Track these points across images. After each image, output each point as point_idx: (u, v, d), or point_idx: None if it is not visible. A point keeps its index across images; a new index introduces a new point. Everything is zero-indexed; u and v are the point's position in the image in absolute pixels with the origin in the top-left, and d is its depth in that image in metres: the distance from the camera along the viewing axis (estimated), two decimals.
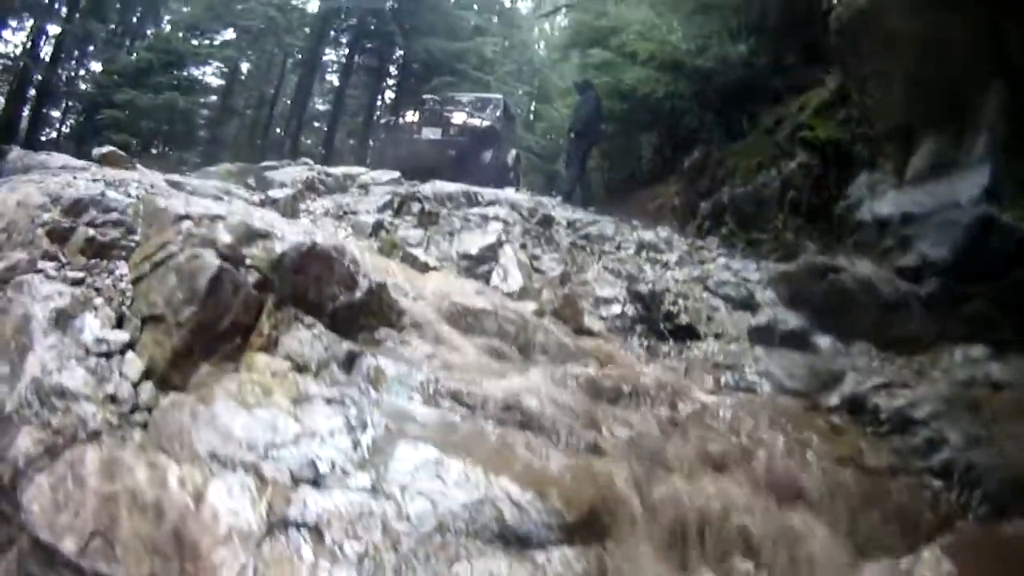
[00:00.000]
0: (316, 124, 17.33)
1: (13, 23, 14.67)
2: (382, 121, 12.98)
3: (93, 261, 2.20)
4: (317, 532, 1.48)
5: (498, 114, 11.22)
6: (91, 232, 2.24)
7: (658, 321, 3.42)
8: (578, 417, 1.85)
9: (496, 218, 4.16)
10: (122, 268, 2.17)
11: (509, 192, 6.55)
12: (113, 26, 15.72)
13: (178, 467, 1.59)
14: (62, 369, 1.74)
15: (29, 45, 14.76)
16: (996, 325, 3.31)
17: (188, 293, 1.89)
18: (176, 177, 5.80)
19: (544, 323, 2.72)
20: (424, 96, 12.05)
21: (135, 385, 1.78)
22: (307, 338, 1.96)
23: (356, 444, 1.71)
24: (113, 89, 13.22)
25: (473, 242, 3.69)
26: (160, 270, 2.00)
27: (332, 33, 15.97)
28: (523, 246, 3.88)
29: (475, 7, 15.57)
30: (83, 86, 15.54)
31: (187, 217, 2.15)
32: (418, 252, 3.50)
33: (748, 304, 3.98)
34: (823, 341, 3.77)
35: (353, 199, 4.42)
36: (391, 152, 10.31)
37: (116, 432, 1.68)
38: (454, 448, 1.72)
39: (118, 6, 15.45)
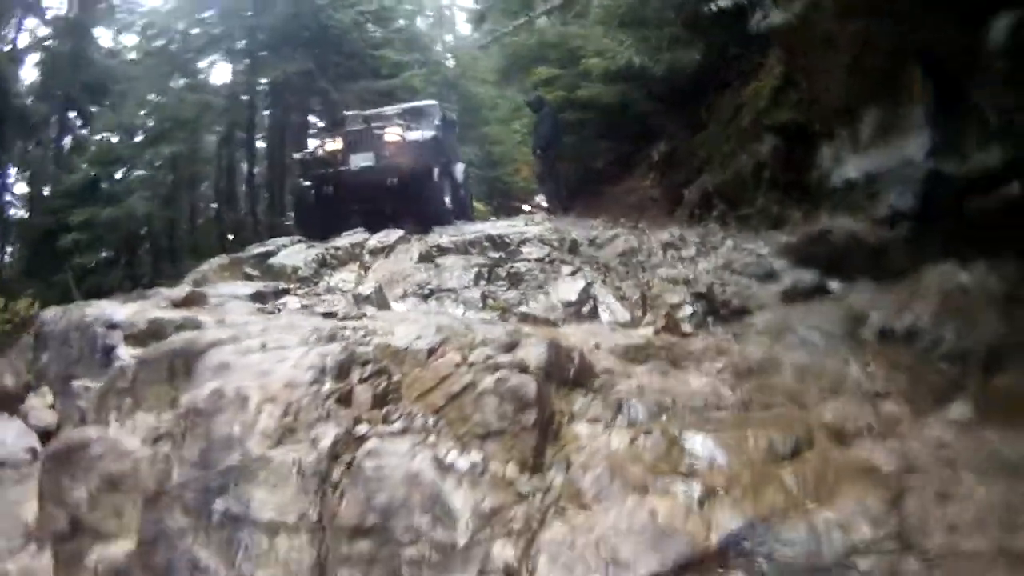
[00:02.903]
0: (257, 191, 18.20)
1: None
2: (296, 156, 11.41)
3: (384, 411, 2.69)
4: None
5: (437, 123, 10.39)
6: (368, 388, 2.75)
7: (719, 310, 4.86)
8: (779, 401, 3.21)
9: (561, 261, 5.56)
10: (412, 408, 2.70)
11: (520, 225, 7.55)
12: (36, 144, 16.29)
13: None
14: None
15: None
16: (959, 247, 4.91)
17: (520, 405, 2.61)
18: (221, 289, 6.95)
19: (667, 339, 4.07)
20: (346, 114, 11.15)
21: None
22: (585, 401, 2.92)
23: None
24: (67, 211, 13.58)
25: (568, 290, 4.86)
26: (467, 397, 2.68)
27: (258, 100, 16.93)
28: (603, 281, 5.25)
29: (377, 34, 16.45)
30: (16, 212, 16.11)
31: (433, 352, 2.95)
32: (529, 310, 4.65)
33: (770, 275, 5.47)
34: (833, 285, 5.30)
35: (430, 276, 5.63)
36: (313, 195, 9.53)
37: None
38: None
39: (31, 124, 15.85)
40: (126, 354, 5.13)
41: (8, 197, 16.76)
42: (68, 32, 16.35)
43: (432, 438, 2.57)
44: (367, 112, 10.69)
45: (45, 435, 5.46)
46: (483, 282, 5.22)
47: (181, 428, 2.94)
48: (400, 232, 7.92)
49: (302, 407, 2.70)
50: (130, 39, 17.78)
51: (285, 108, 17.11)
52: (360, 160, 9.02)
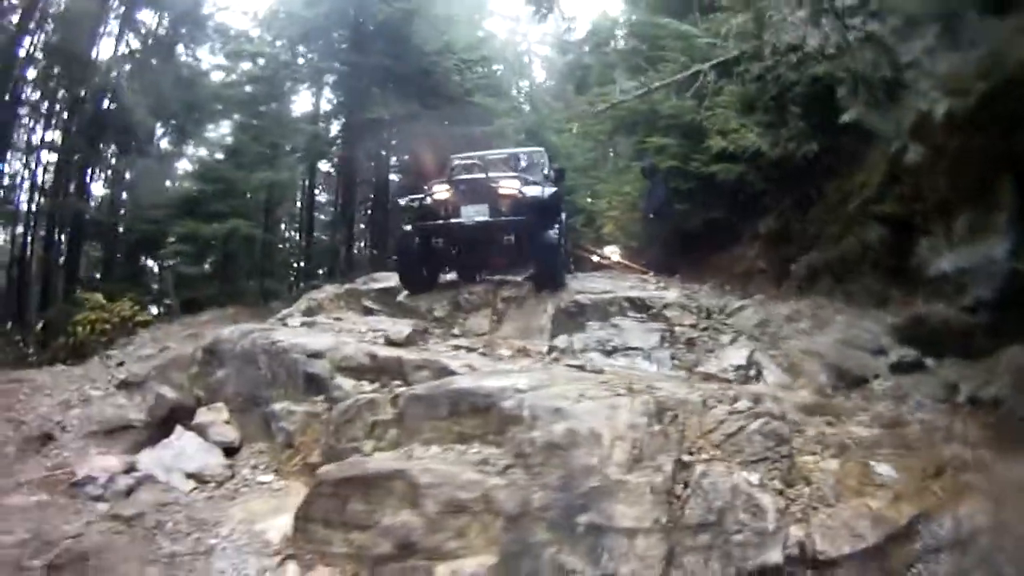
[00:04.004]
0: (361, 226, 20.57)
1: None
2: (401, 202, 11.04)
3: (688, 445, 4.57)
4: None
5: (546, 172, 10.54)
6: (674, 429, 4.59)
7: (846, 380, 6.96)
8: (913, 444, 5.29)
9: (714, 328, 7.71)
10: (701, 442, 4.58)
11: (651, 291, 9.19)
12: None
13: None
14: None
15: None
16: None
17: (778, 441, 4.58)
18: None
19: (819, 399, 6.14)
20: (453, 159, 11.02)
21: None
22: (800, 441, 5.01)
23: None
24: (167, 222, 15.63)
25: (736, 356, 6.73)
26: (740, 436, 4.63)
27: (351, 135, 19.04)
28: (755, 350, 7.32)
29: (467, 80, 18.88)
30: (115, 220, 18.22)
31: (705, 403, 4.98)
32: (707, 370, 6.61)
33: (880, 350, 7.47)
34: (929, 361, 6.91)
35: (610, 334, 7.76)
36: (419, 244, 9.46)
37: None
38: None
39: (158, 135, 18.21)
40: (348, 385, 6.50)
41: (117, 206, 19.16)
42: (160, 47, 18.88)
43: (727, 464, 4.54)
44: (474, 156, 10.87)
45: (227, 450, 6.58)
46: (666, 344, 7.33)
47: (535, 460, 4.52)
48: (529, 284, 9.30)
49: (644, 442, 4.50)
50: (218, 59, 20.20)
51: (373, 145, 19.21)
52: (474, 213, 9.07)
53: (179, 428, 6.66)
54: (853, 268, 8.94)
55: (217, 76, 19.72)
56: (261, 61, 18.40)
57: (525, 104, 24.14)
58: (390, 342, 7.52)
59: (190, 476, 6.03)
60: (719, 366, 6.79)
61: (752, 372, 6.72)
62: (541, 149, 12.01)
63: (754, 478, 4.41)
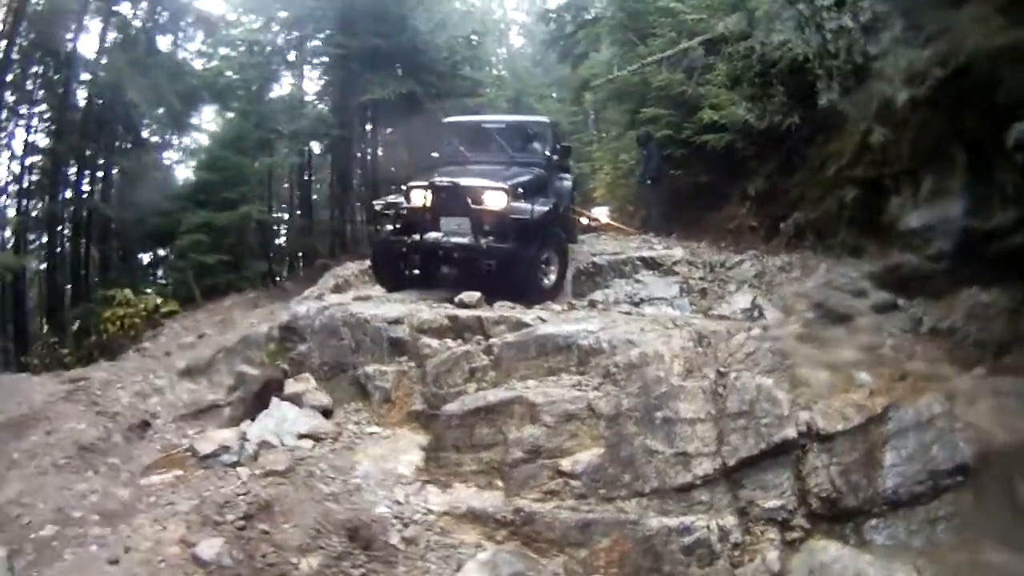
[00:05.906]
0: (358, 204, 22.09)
1: None
2: (376, 206, 10.70)
3: (721, 360, 6.44)
4: None
5: (547, 151, 10.11)
6: (710, 350, 6.61)
7: (836, 317, 8.90)
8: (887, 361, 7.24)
9: (721, 280, 9.62)
10: (729, 359, 6.58)
11: (659, 250, 10.75)
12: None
13: None
14: None
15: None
16: (981, 276, 8.06)
17: (783, 357, 6.74)
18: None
19: (809, 331, 8.04)
20: (447, 120, 11.16)
21: None
22: (799, 358, 7.23)
23: None
24: (178, 213, 16.86)
25: (741, 301, 8.52)
26: (756, 354, 6.52)
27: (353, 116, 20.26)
28: (757, 295, 9.20)
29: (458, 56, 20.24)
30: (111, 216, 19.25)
31: (729, 332, 6.84)
32: (720, 312, 8.64)
33: (861, 293, 9.45)
34: (901, 301, 8.92)
35: (635, 288, 9.57)
36: (393, 259, 9.52)
37: None
38: None
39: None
40: (434, 344, 7.61)
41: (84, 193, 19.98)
42: (143, 38, 20.08)
43: (751, 372, 6.33)
44: (470, 121, 11.09)
45: (324, 413, 7.34)
46: (684, 294, 9.21)
47: (620, 377, 6.33)
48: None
49: (692, 359, 6.30)
50: (200, 47, 21.37)
51: (365, 124, 20.52)
52: (454, 227, 8.79)
53: (275, 399, 7.34)
54: (833, 225, 10.60)
55: (199, 64, 21.10)
56: (241, 48, 19.73)
57: (504, 72, 25.71)
58: (463, 304, 8.27)
59: (302, 437, 6.78)
60: (729, 309, 8.66)
61: (755, 313, 8.58)
62: (545, 120, 11.41)
63: (770, 381, 6.22)
